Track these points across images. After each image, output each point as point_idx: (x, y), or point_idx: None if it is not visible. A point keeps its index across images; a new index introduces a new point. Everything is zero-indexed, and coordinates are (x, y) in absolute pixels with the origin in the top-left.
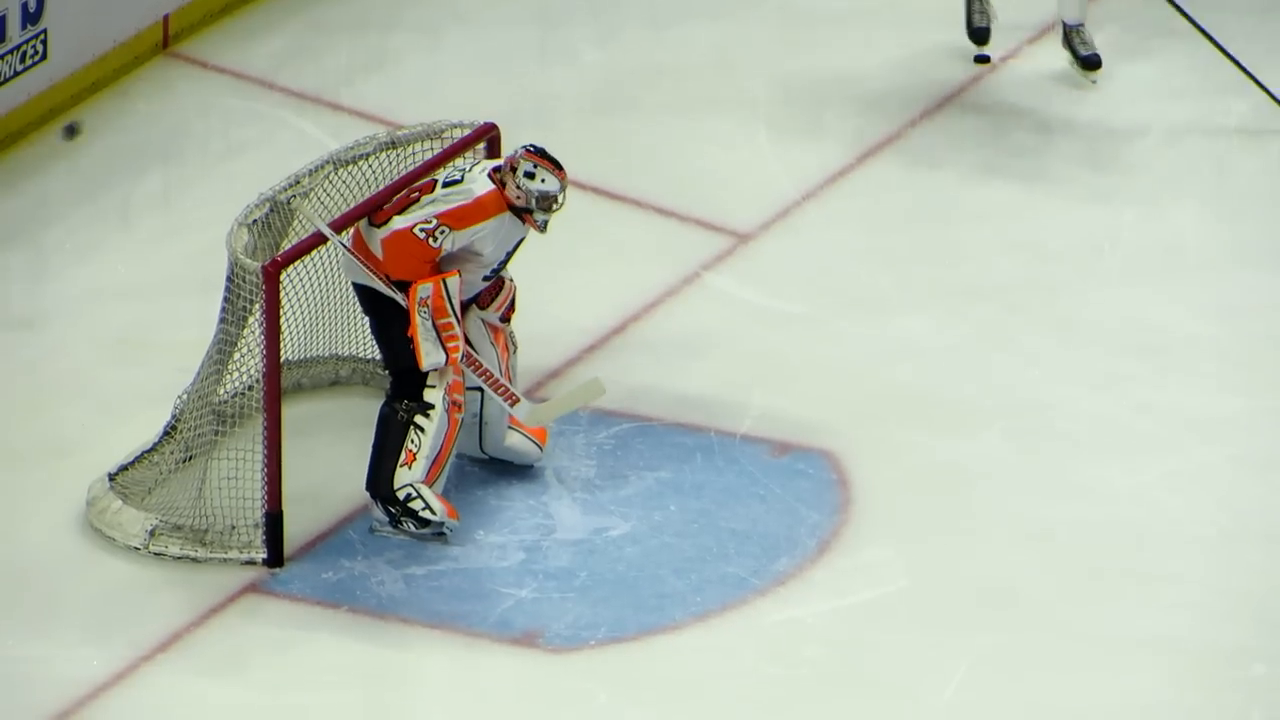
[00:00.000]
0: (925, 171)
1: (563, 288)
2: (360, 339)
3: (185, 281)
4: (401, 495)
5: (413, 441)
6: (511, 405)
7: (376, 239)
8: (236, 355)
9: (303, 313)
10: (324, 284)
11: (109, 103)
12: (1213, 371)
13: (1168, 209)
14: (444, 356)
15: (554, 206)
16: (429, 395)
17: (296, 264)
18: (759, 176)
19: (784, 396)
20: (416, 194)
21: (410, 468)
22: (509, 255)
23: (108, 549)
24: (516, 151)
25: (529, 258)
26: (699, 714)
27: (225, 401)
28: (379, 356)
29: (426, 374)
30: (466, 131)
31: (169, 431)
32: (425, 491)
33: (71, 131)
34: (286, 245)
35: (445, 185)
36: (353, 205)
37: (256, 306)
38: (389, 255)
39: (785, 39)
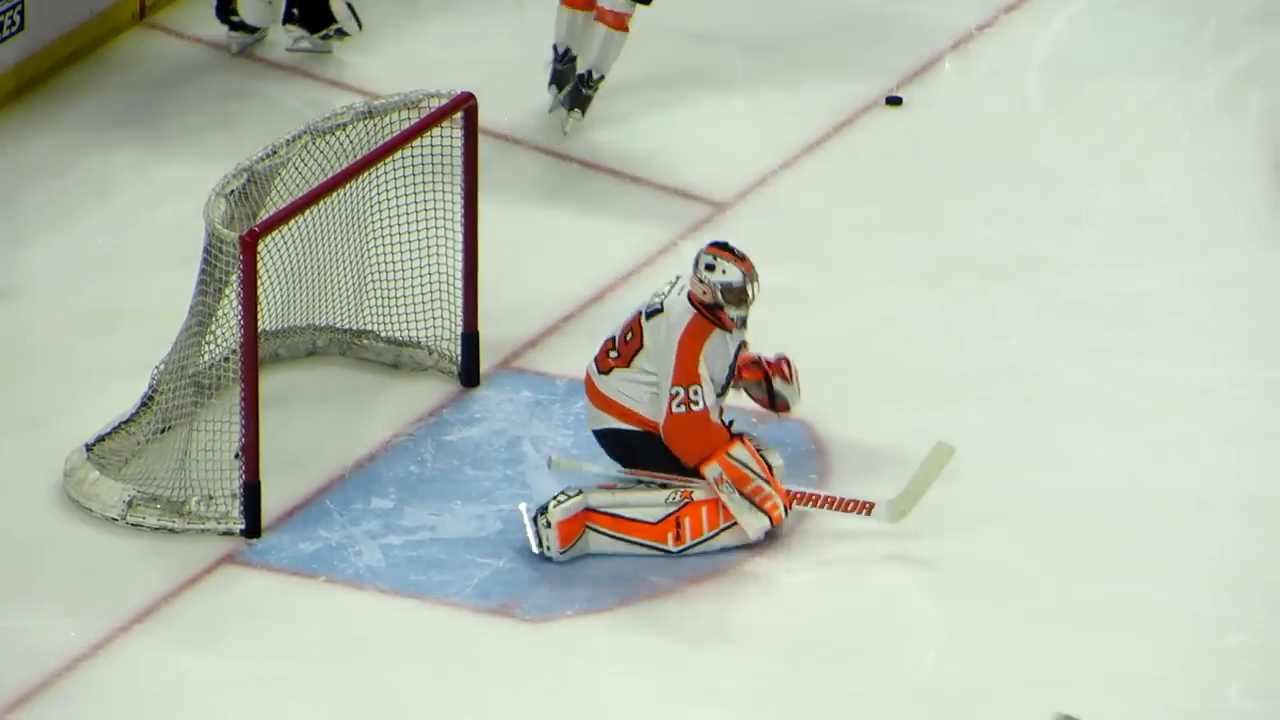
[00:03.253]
0: (904, 142)
1: (540, 258)
2: (337, 308)
3: (162, 252)
4: (570, 492)
5: (628, 489)
6: (867, 515)
7: (613, 382)
8: (214, 325)
9: (280, 283)
10: (301, 254)
11: (86, 73)
12: (1192, 341)
13: (1146, 179)
14: (767, 520)
15: (745, 299)
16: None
17: (274, 234)
18: (736, 146)
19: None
20: (631, 335)
21: (600, 493)
22: (732, 368)
23: (85, 520)
24: (700, 249)
25: (507, 227)
26: (677, 684)
27: (203, 372)
28: (356, 326)
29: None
30: (444, 101)
31: (146, 402)
32: (569, 508)
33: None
34: (263, 215)
35: (649, 316)
36: (330, 175)
37: (234, 276)
38: (675, 445)
39: (763, 8)
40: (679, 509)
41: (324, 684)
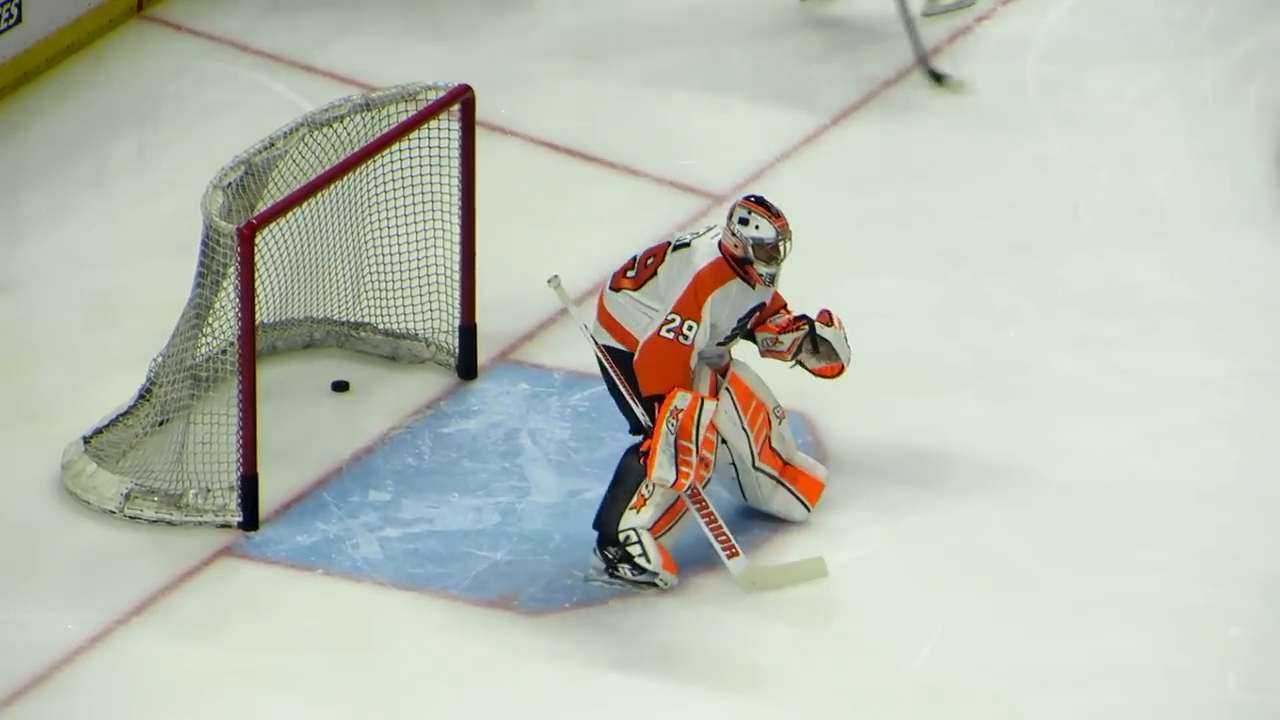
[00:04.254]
0: (900, 133)
1: (537, 249)
2: (335, 301)
3: (160, 244)
4: (622, 538)
5: (647, 488)
6: (729, 557)
7: (619, 301)
8: (211, 318)
9: (277, 275)
10: (299, 246)
11: (83, 66)
12: (1190, 333)
13: (1143, 170)
14: (674, 477)
15: (776, 256)
16: None
17: (271, 226)
18: (733, 137)
19: (759, 358)
20: (652, 260)
21: (638, 512)
22: (741, 323)
23: (83, 512)
24: (736, 200)
25: (504, 219)
26: (673, 677)
27: (200, 364)
28: (354, 318)
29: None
30: (441, 93)
31: (144, 394)
32: (647, 539)
33: (341, 387)
34: (261, 208)
35: (675, 249)
36: (328, 167)
37: (231, 269)
38: (643, 367)
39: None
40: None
41: (321, 676)
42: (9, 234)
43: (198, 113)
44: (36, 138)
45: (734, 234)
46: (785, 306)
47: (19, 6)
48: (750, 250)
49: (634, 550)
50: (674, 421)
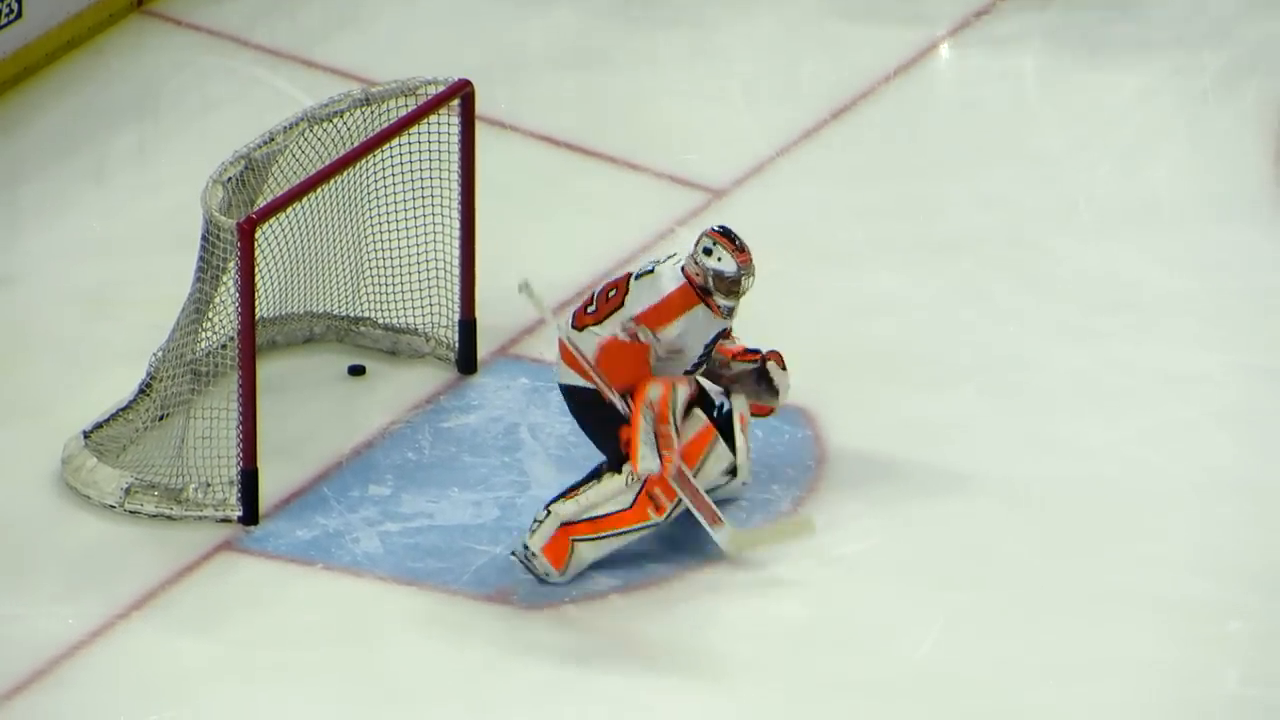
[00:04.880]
0: (899, 126)
1: (535, 243)
2: (334, 295)
3: (160, 239)
4: (532, 525)
5: (587, 485)
6: (714, 528)
7: (582, 344)
8: (211, 312)
9: (277, 270)
10: (298, 241)
11: (83, 61)
12: (1189, 327)
13: (1143, 164)
14: (658, 464)
15: (736, 290)
16: (629, 464)
17: (271, 221)
18: (732, 131)
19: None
20: (614, 293)
21: (565, 501)
22: (708, 349)
23: (83, 507)
24: (704, 230)
25: (504, 214)
26: (673, 671)
27: (200, 359)
28: (353, 313)
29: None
30: (441, 88)
31: (144, 389)
32: (545, 533)
33: (358, 371)
34: (261, 202)
35: (637, 278)
36: (328, 162)
37: (231, 264)
38: (606, 368)
39: None
40: (636, 480)
41: (321, 671)
42: (9, 228)
43: (197, 108)
44: (36, 132)
45: (697, 262)
46: (731, 334)
47: (19, 2)
48: (710, 281)
49: (537, 565)
50: (650, 411)
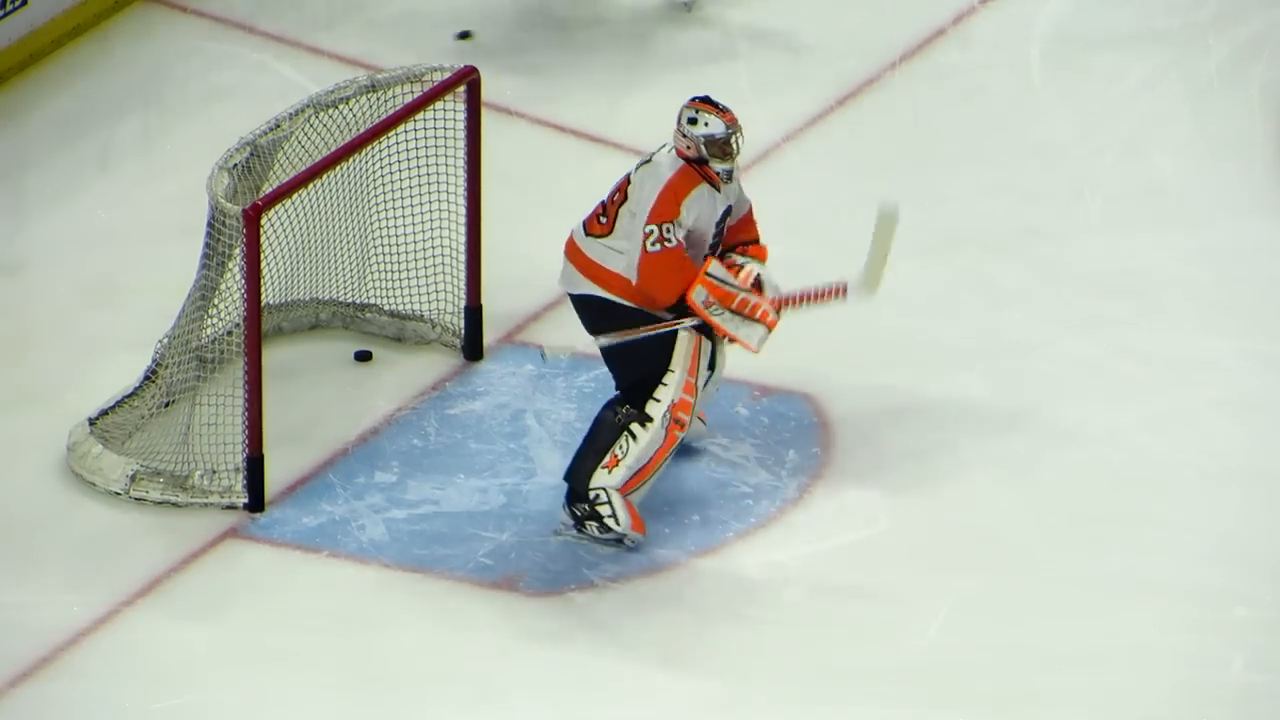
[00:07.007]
0: (906, 115)
1: (540, 230)
2: (340, 282)
3: (166, 226)
4: (592, 496)
5: (620, 448)
6: (844, 296)
7: (597, 247)
8: (217, 299)
9: (283, 256)
10: (304, 227)
11: (89, 47)
12: (1194, 314)
13: (1148, 152)
14: (764, 329)
15: (729, 151)
16: (651, 408)
17: (277, 208)
18: (739, 119)
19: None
20: (618, 196)
21: (610, 472)
22: (719, 227)
23: (88, 494)
24: (682, 105)
25: (510, 200)
26: (679, 658)
27: (206, 346)
28: (359, 299)
29: (654, 387)
30: (447, 75)
31: (150, 376)
32: (616, 499)
33: (364, 357)
34: (267, 189)
35: (637, 169)
36: (333, 149)
37: (237, 250)
38: (651, 285)
39: None
40: (666, 416)
41: (327, 658)
42: (15, 216)
43: (203, 95)
44: (42, 120)
45: (685, 135)
46: (752, 216)
47: None
48: (703, 149)
49: (604, 510)
50: (715, 308)
